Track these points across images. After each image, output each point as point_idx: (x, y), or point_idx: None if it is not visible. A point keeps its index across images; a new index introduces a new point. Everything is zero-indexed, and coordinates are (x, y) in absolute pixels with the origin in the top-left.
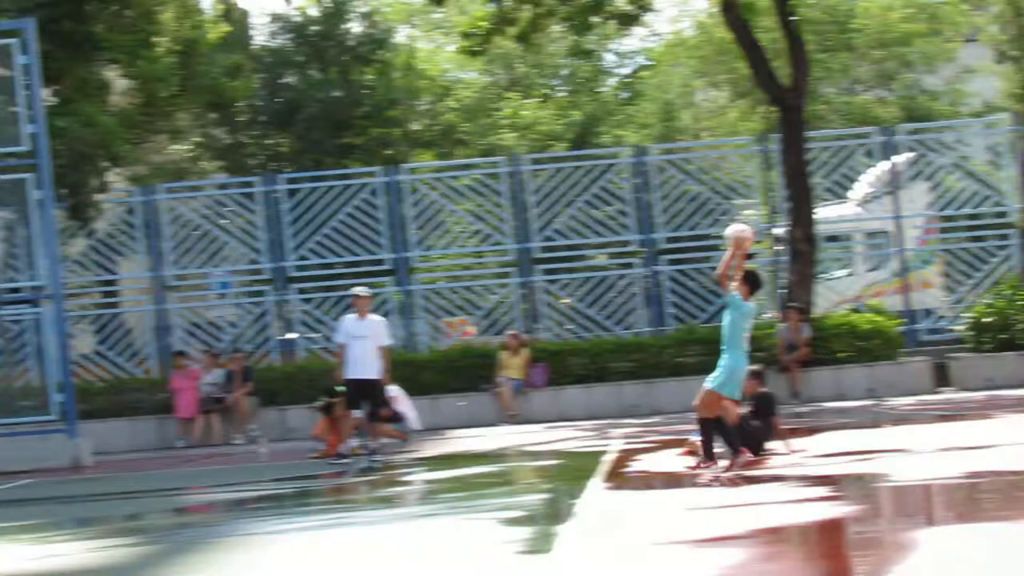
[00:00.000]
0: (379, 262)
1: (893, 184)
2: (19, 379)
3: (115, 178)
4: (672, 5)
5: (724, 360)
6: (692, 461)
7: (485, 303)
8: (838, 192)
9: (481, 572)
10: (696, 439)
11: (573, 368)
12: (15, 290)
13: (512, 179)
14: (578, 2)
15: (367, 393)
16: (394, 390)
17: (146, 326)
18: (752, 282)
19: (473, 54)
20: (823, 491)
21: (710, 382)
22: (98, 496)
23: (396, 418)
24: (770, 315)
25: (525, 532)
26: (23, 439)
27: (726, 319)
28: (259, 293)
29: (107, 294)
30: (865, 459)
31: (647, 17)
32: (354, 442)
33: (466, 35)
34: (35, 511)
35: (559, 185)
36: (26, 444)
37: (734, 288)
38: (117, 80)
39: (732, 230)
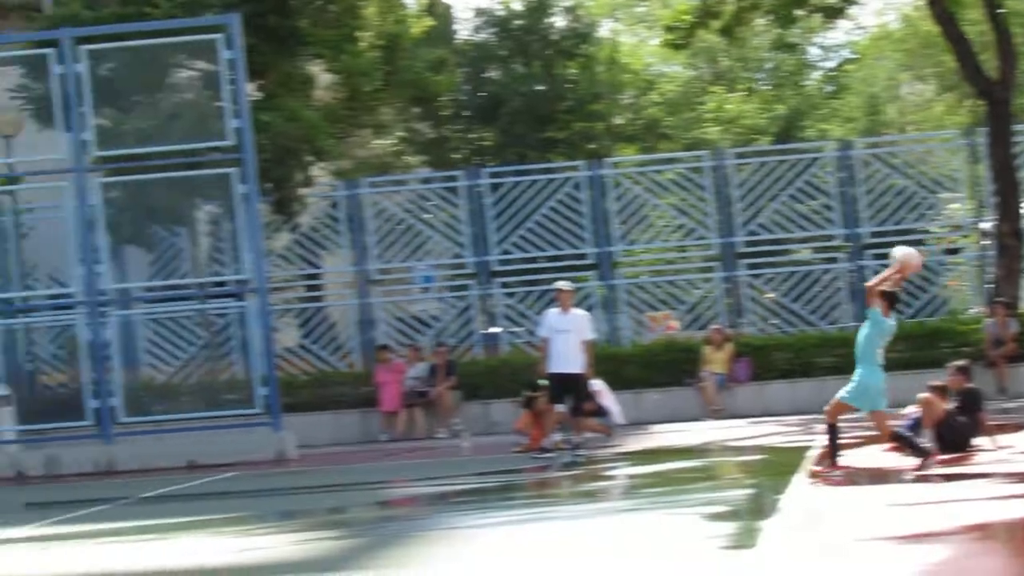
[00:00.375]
0: (582, 256)
1: None
2: (224, 372)
3: (319, 172)
4: None
5: (858, 374)
6: (905, 458)
7: (688, 298)
8: None
9: (685, 567)
10: (902, 434)
11: (777, 363)
12: (220, 284)
13: (716, 173)
14: None
15: (571, 387)
16: (597, 384)
17: (350, 320)
18: (890, 297)
19: (677, 48)
20: None
21: (843, 392)
22: (302, 489)
23: (600, 412)
24: (977, 310)
25: (729, 527)
26: (228, 432)
27: (862, 333)
28: (462, 287)
29: (311, 288)
30: None
31: (852, 10)
32: (557, 436)
33: (670, 29)
34: (239, 504)
35: (763, 179)
36: (231, 437)
37: (875, 303)
38: (321, 75)
39: (902, 252)
